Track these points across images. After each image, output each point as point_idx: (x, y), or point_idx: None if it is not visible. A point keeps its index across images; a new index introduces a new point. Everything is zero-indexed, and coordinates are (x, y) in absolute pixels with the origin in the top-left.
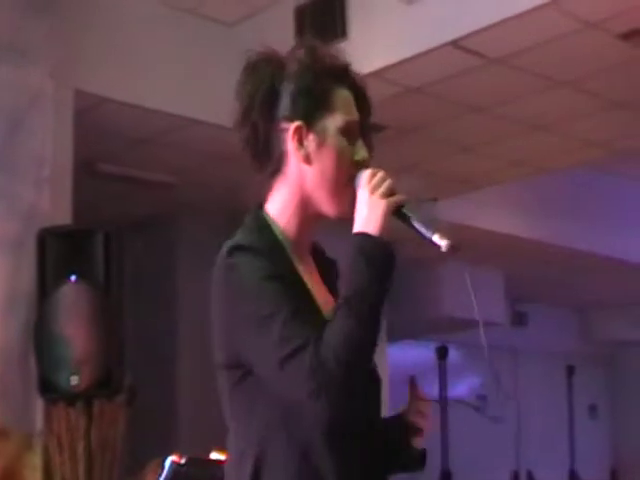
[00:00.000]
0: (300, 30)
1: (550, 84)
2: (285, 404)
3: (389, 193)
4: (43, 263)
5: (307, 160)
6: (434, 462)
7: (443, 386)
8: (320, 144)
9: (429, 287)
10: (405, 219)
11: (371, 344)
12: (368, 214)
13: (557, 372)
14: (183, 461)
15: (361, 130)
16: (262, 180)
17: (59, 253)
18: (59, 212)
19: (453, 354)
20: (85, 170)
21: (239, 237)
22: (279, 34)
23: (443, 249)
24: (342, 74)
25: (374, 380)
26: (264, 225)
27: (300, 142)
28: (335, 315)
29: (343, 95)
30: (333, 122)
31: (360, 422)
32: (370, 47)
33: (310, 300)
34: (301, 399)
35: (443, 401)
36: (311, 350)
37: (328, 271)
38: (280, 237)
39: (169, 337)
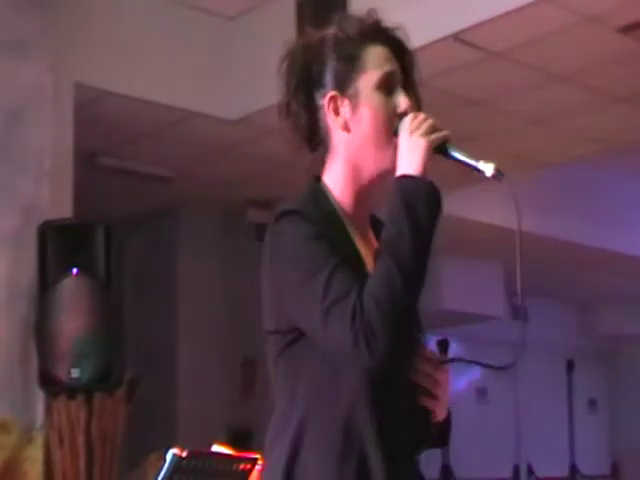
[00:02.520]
0: (301, 23)
1: (550, 78)
2: (331, 364)
3: (430, 131)
4: (44, 257)
5: (346, 127)
6: (434, 456)
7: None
8: (355, 107)
9: (430, 280)
10: (448, 154)
11: (413, 287)
12: (408, 155)
13: (557, 366)
14: (185, 454)
15: (405, 82)
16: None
17: (60, 247)
18: (60, 206)
19: (454, 347)
20: (86, 163)
21: (290, 203)
22: (280, 27)
23: (488, 174)
24: (372, 32)
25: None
26: (319, 195)
27: (336, 111)
28: (376, 264)
29: (375, 51)
30: (366, 81)
31: (406, 375)
32: None
33: (360, 262)
34: (345, 348)
35: None
36: (353, 297)
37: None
38: (335, 206)
39: (169, 331)
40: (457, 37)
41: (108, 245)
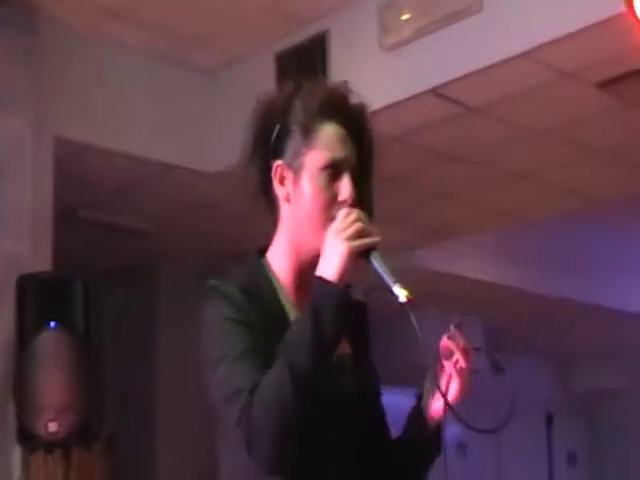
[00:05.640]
0: (281, 76)
1: (529, 133)
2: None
3: (357, 235)
4: (22, 310)
5: (288, 199)
6: None
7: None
8: (298, 182)
9: (407, 333)
10: (368, 262)
11: (304, 395)
12: (328, 256)
13: (536, 421)
14: None
15: (356, 168)
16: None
17: (38, 300)
18: (39, 259)
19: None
20: (65, 217)
21: (218, 279)
22: (260, 81)
23: (400, 300)
24: (333, 109)
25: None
26: (257, 268)
27: (281, 181)
28: (274, 365)
29: (329, 131)
30: (313, 159)
31: (319, 461)
32: None
33: (262, 342)
34: (240, 443)
35: None
36: (244, 397)
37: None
38: (273, 280)
39: (148, 385)
40: (436, 92)
41: (87, 299)
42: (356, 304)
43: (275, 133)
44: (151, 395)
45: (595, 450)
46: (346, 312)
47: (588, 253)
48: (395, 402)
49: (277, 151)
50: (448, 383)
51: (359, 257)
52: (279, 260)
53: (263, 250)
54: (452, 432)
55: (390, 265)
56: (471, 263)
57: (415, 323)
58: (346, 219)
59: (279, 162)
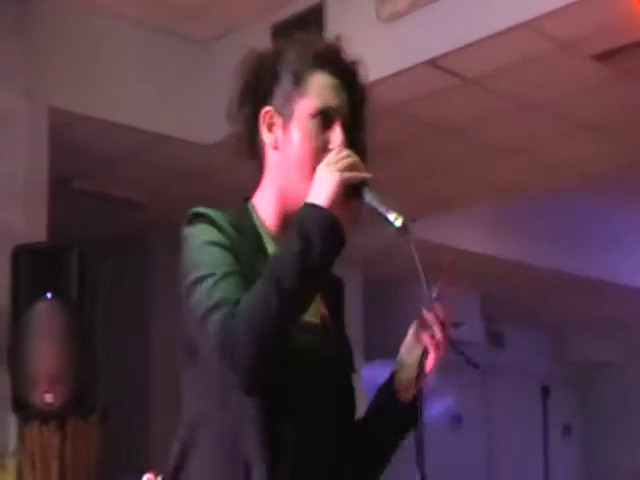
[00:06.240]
0: None
1: (526, 106)
2: (221, 380)
3: (349, 169)
4: (17, 281)
5: (275, 146)
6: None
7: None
8: (286, 128)
9: (403, 306)
10: (361, 197)
11: (288, 312)
12: (318, 185)
13: (532, 393)
14: (159, 479)
15: (348, 119)
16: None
17: (33, 271)
18: (34, 229)
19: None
20: (59, 187)
21: (202, 208)
22: None
23: (396, 226)
24: (326, 59)
25: (329, 373)
26: (243, 211)
27: (270, 128)
28: (256, 282)
29: (321, 80)
30: (304, 106)
31: (298, 408)
32: None
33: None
34: (215, 357)
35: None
36: (228, 306)
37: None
38: (257, 223)
39: (142, 356)
40: (434, 63)
41: (82, 269)
42: (334, 279)
43: (267, 82)
44: (145, 366)
45: (590, 422)
46: (335, 234)
47: (585, 226)
48: (383, 374)
49: (266, 98)
50: (423, 354)
51: (350, 193)
52: (265, 206)
53: (248, 199)
54: (447, 404)
55: (381, 199)
56: (469, 236)
57: (413, 249)
58: (338, 154)
59: (268, 108)
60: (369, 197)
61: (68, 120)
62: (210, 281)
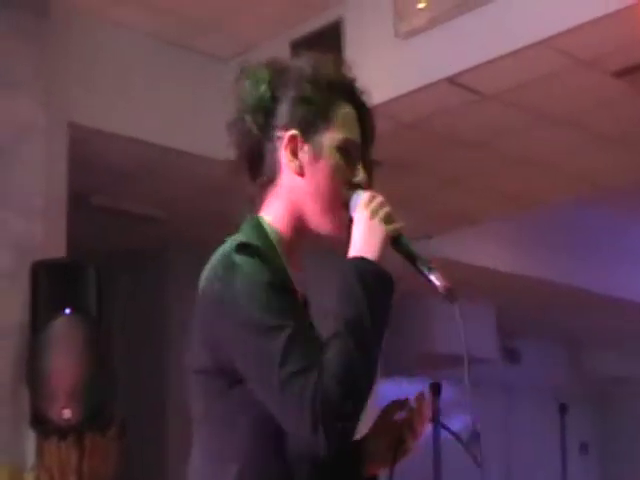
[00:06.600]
0: None
1: (544, 121)
2: (273, 422)
3: (388, 220)
4: (36, 296)
5: (300, 172)
6: None
7: (436, 423)
8: (315, 157)
9: (422, 322)
10: (402, 250)
11: (373, 375)
12: (367, 238)
13: (549, 409)
14: None
15: (361, 153)
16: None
17: (52, 286)
18: (53, 244)
19: (447, 391)
20: (78, 202)
21: (243, 237)
22: None
23: (440, 290)
24: (347, 89)
25: None
26: (263, 232)
27: (294, 153)
28: (332, 343)
29: (346, 112)
30: (331, 137)
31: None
32: (365, 82)
33: (305, 316)
34: (300, 430)
35: (436, 439)
36: (314, 376)
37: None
38: (275, 244)
39: (159, 370)
40: (452, 80)
41: (99, 284)
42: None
43: (280, 97)
44: (161, 380)
45: (607, 439)
46: (393, 288)
47: (601, 240)
48: (404, 391)
49: (281, 118)
50: (398, 442)
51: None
52: (279, 224)
53: (256, 216)
54: (465, 422)
55: (419, 251)
56: (484, 251)
57: (458, 315)
58: (375, 201)
59: (294, 132)
60: (412, 251)
61: (87, 135)
62: (284, 336)
